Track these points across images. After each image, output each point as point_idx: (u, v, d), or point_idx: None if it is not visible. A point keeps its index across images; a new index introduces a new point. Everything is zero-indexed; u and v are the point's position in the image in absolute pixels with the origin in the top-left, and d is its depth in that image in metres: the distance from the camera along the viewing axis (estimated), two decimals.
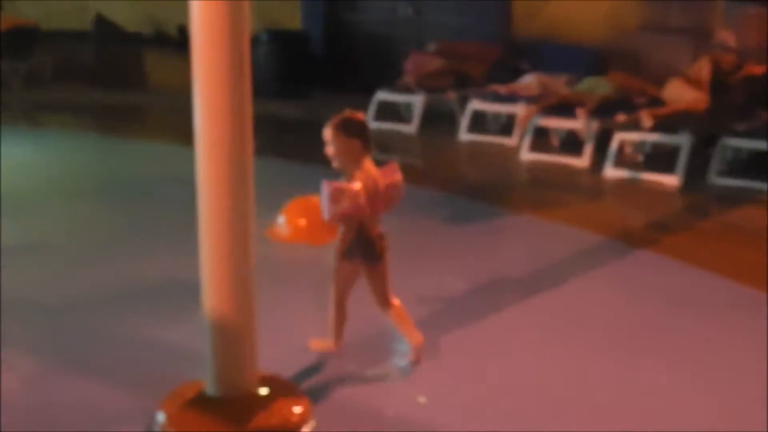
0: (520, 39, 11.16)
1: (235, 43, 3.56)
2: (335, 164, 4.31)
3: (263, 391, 3.89)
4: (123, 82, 13.56)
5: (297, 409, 3.87)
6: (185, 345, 4.59)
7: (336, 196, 4.15)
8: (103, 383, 4.28)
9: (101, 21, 13.96)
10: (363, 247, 4.36)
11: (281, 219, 6.49)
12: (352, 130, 4.23)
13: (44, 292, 5.48)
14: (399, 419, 3.96)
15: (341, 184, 4.22)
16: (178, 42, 13.77)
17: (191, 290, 5.07)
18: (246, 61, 3.63)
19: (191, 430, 3.72)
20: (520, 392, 4.22)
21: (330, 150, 4.26)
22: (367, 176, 4.21)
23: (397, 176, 4.35)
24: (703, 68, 8.40)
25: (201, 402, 3.84)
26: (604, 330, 4.90)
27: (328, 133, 4.26)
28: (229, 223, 3.70)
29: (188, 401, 3.86)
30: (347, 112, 4.29)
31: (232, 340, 3.81)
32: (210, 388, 3.86)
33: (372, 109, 10.49)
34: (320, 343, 4.65)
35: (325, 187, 4.17)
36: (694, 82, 8.41)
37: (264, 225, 6.16)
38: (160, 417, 3.81)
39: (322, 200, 4.21)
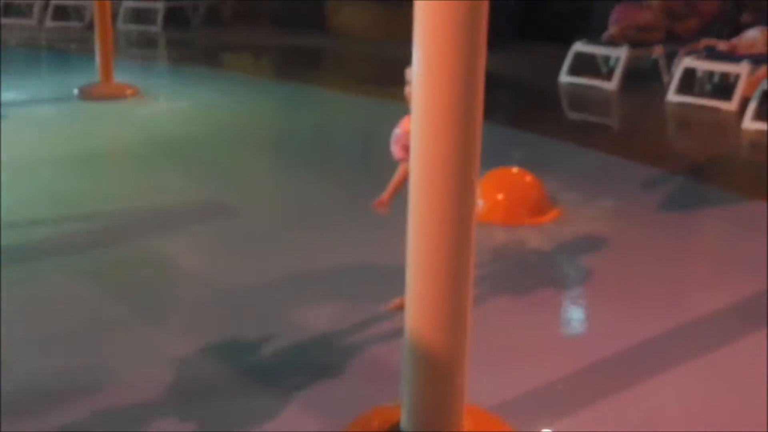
0: None
1: None
2: None
3: (467, 428, 3.21)
4: (302, 24, 13.22)
5: None
6: (378, 353, 4.00)
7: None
8: (279, 395, 3.66)
9: None
10: None
11: None
12: None
13: (219, 269, 4.96)
14: None
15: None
16: None
17: (385, 279, 4.52)
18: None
19: None
20: None
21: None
22: None
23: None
24: None
25: None
26: None
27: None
28: (448, 227, 3.00)
29: None
30: None
31: (438, 371, 3.10)
32: (405, 421, 3.22)
33: (567, 61, 9.74)
34: (398, 301, 4.16)
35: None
36: None
37: None
38: None
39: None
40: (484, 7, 2.84)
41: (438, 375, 3.13)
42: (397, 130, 4.11)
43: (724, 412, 3.63)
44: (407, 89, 3.91)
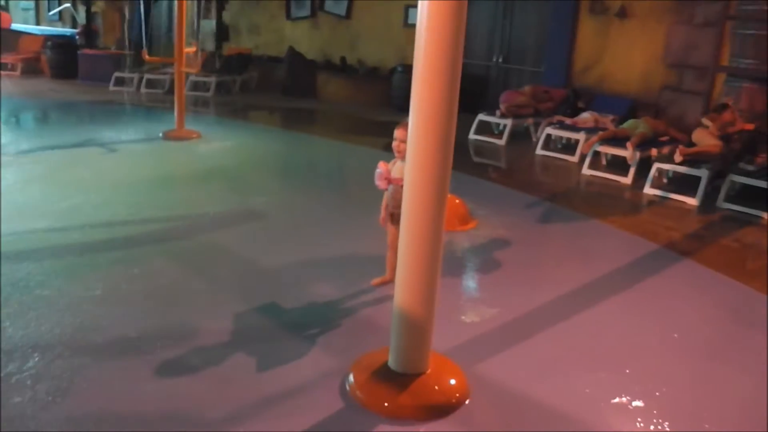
0: (578, 86, 10.15)
1: (450, 67, 2.71)
2: (402, 156, 3.77)
3: (432, 369, 3.09)
4: (301, 92, 13.03)
5: (458, 386, 3.08)
6: (369, 314, 3.84)
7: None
8: (303, 341, 3.52)
9: (291, 51, 13.37)
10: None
11: None
12: None
13: (258, 255, 4.72)
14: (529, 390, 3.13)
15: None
16: (340, 68, 13.18)
17: (370, 264, 4.39)
18: (456, 86, 2.76)
19: (375, 398, 2.95)
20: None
21: (401, 146, 3.71)
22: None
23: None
24: (717, 122, 7.42)
25: (384, 373, 3.07)
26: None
27: (402, 133, 3.69)
28: (428, 232, 2.87)
29: (374, 371, 3.09)
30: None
31: (415, 329, 3.00)
32: (391, 362, 3.09)
33: (474, 125, 9.67)
34: (379, 279, 4.18)
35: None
36: (712, 131, 7.39)
37: None
38: (350, 379, 3.08)
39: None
40: (456, 91, 2.76)
41: (415, 329, 3.03)
42: (378, 170, 3.94)
43: (593, 352, 3.57)
44: (395, 144, 3.76)
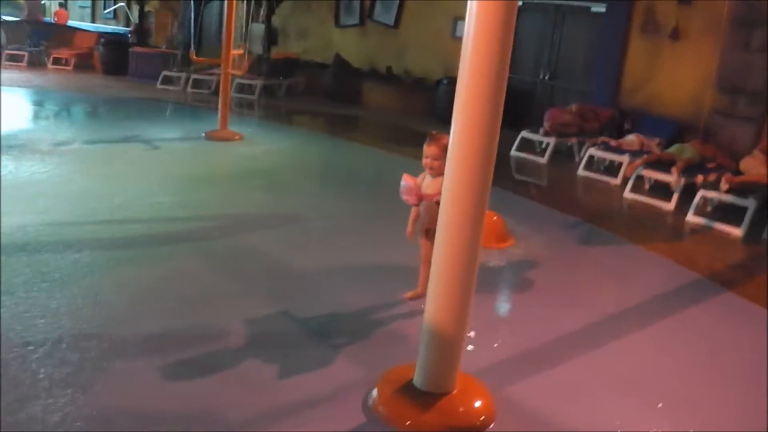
0: (625, 106, 9.95)
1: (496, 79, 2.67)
2: (434, 173, 3.72)
3: (458, 389, 3.01)
4: (346, 100, 13.05)
5: (483, 408, 2.99)
6: (398, 327, 3.78)
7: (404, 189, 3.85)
8: (328, 349, 3.47)
9: (338, 58, 13.45)
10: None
11: None
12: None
13: (289, 259, 4.69)
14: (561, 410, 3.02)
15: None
16: (386, 77, 13.20)
17: (403, 275, 4.31)
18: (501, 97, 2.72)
19: (398, 415, 2.89)
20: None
21: (435, 163, 3.66)
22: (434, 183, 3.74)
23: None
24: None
25: (409, 391, 3.00)
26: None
27: (433, 150, 3.64)
28: (464, 249, 2.80)
29: (399, 387, 3.02)
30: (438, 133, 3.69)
31: (444, 348, 2.93)
32: (417, 380, 3.02)
33: (516, 142, 9.53)
34: (412, 292, 4.06)
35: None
36: (761, 160, 7.18)
37: None
38: (374, 393, 3.03)
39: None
40: (500, 106, 2.71)
41: (444, 348, 2.96)
42: (404, 183, 3.84)
43: (625, 380, 3.45)
44: (426, 161, 3.71)
